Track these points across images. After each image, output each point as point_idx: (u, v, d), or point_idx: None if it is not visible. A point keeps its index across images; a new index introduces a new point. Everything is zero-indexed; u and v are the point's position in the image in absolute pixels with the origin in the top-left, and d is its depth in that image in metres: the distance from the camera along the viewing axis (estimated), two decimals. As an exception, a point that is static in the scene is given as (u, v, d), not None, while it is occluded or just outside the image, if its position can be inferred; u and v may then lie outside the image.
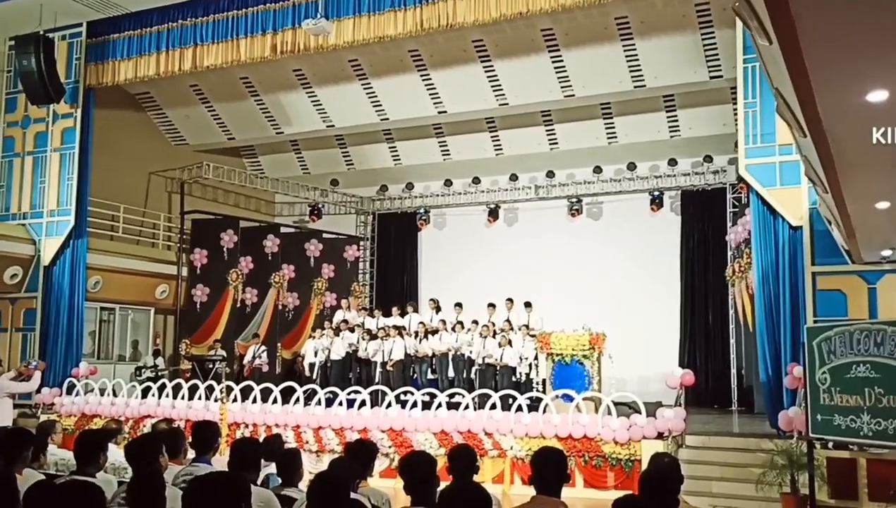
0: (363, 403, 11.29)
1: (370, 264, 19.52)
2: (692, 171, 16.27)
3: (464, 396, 11.04)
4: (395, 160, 18.29)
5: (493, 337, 12.76)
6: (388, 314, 14.87)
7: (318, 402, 11.47)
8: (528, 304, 13.71)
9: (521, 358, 12.56)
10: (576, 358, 11.29)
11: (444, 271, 18.01)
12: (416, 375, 13.61)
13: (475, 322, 13.36)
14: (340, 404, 11.36)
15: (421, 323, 13.98)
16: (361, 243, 19.37)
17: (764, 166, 10.77)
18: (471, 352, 12.99)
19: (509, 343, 12.60)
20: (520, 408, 10.26)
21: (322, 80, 16.01)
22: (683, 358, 15.50)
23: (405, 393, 11.52)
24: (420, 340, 13.62)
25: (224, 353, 15.23)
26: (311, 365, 14.12)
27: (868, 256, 9.67)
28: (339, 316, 15.45)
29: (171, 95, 17.07)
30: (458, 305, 14.21)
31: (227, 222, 17.10)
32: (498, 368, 12.50)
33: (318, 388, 11.87)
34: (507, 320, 13.34)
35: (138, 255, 16.13)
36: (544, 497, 3.65)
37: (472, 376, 12.85)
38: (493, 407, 10.50)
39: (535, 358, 12.48)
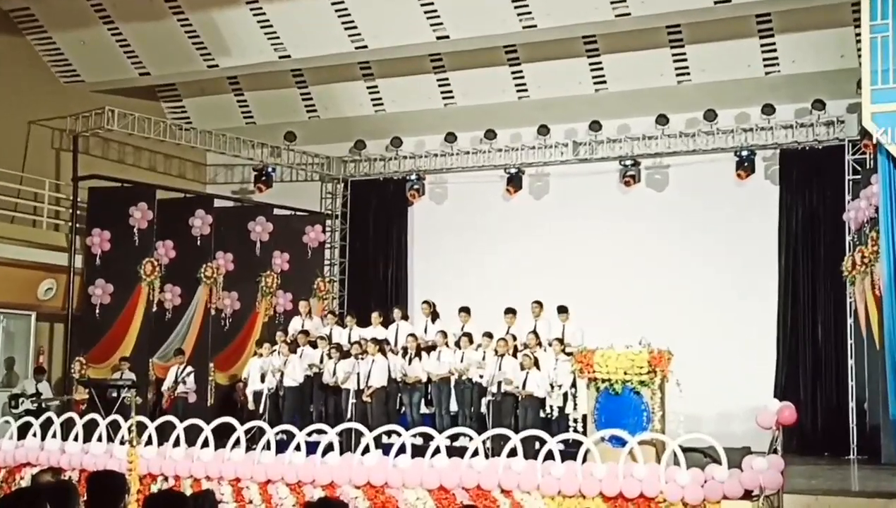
0: (329, 447, 11.32)
1: (340, 252, 19.55)
2: (796, 122, 16.24)
3: (471, 438, 11.05)
4: (375, 105, 18.27)
5: (514, 355, 12.76)
6: (364, 323, 14.91)
7: (267, 446, 11.50)
8: (562, 310, 13.72)
9: (551, 385, 12.60)
10: (629, 386, 11.27)
11: (445, 262, 18.04)
12: (403, 409, 13.64)
13: (488, 334, 13.38)
14: (297, 448, 11.38)
15: (411, 335, 14.01)
16: (328, 222, 19.39)
17: (898, 115, 10.76)
18: (481, 377, 13.01)
19: (536, 364, 12.62)
20: (550, 456, 10.28)
21: (273, -10, 16.02)
22: (781, 387, 15.53)
23: (389, 433, 11.53)
24: (410, 360, 13.64)
25: (134, 377, 15.22)
26: (257, 394, 14.13)
27: None
28: (295, 324, 15.46)
29: (59, 12, 17.04)
30: (465, 310, 14.24)
31: (138, 192, 17.06)
32: (520, 399, 12.53)
33: (266, 426, 11.89)
34: (534, 331, 13.38)
35: (13, 238, 16.11)
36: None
37: (484, 410, 12.89)
38: (513, 453, 10.52)
39: (573, 385, 12.51)
